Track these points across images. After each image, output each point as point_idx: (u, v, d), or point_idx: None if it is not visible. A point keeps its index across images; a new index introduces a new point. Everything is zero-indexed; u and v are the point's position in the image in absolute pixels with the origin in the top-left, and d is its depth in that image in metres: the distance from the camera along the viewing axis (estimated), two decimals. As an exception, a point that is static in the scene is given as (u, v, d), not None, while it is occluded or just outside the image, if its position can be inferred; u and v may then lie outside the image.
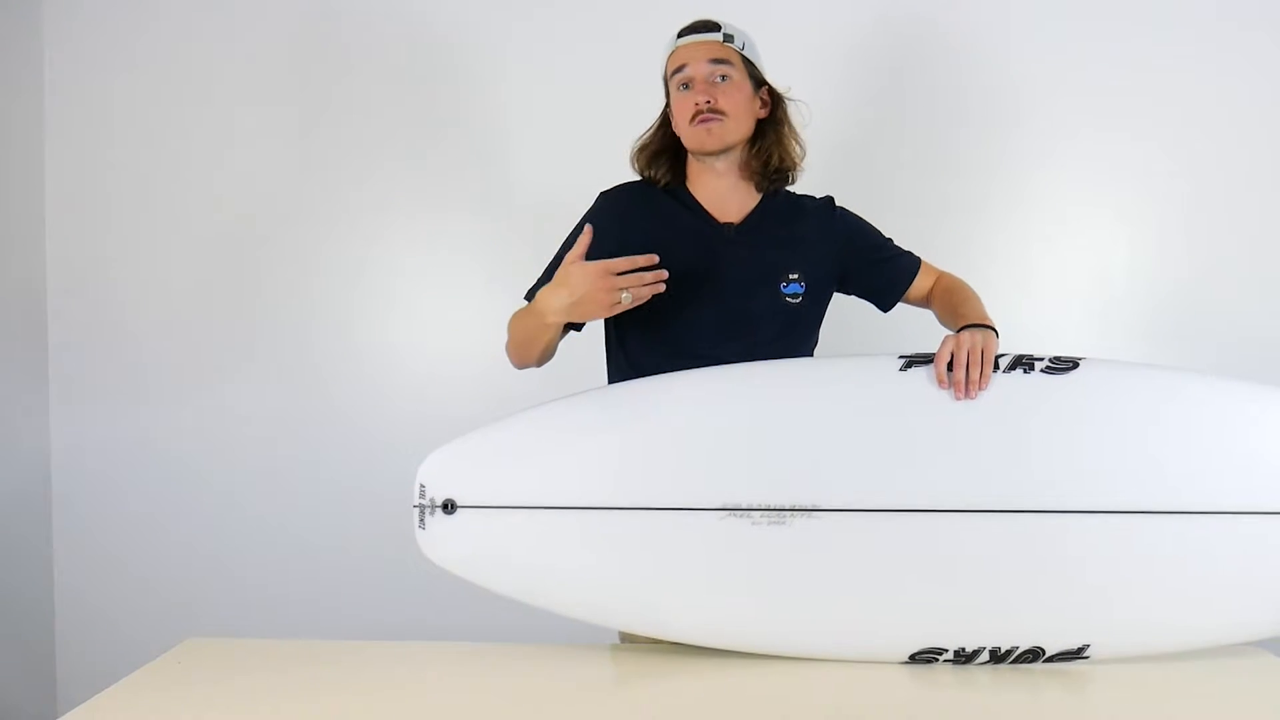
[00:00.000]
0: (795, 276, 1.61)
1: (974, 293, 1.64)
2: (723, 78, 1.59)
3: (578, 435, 1.49)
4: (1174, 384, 1.43)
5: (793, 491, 1.43)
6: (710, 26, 1.61)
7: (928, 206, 2.31)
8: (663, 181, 1.66)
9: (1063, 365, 1.43)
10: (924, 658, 1.44)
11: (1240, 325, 2.31)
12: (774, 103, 1.67)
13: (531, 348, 1.58)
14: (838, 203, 1.73)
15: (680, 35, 1.63)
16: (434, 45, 2.46)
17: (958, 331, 1.48)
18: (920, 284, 1.70)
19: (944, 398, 1.43)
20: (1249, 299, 2.32)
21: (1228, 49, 2.31)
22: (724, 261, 1.61)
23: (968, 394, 1.41)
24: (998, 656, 1.43)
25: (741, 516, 1.43)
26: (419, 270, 2.49)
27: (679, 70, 1.60)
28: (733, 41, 1.61)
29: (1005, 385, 1.43)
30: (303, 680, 1.42)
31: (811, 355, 1.67)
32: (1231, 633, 1.43)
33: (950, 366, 1.42)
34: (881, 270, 1.70)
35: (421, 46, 2.46)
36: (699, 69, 1.58)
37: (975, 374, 1.40)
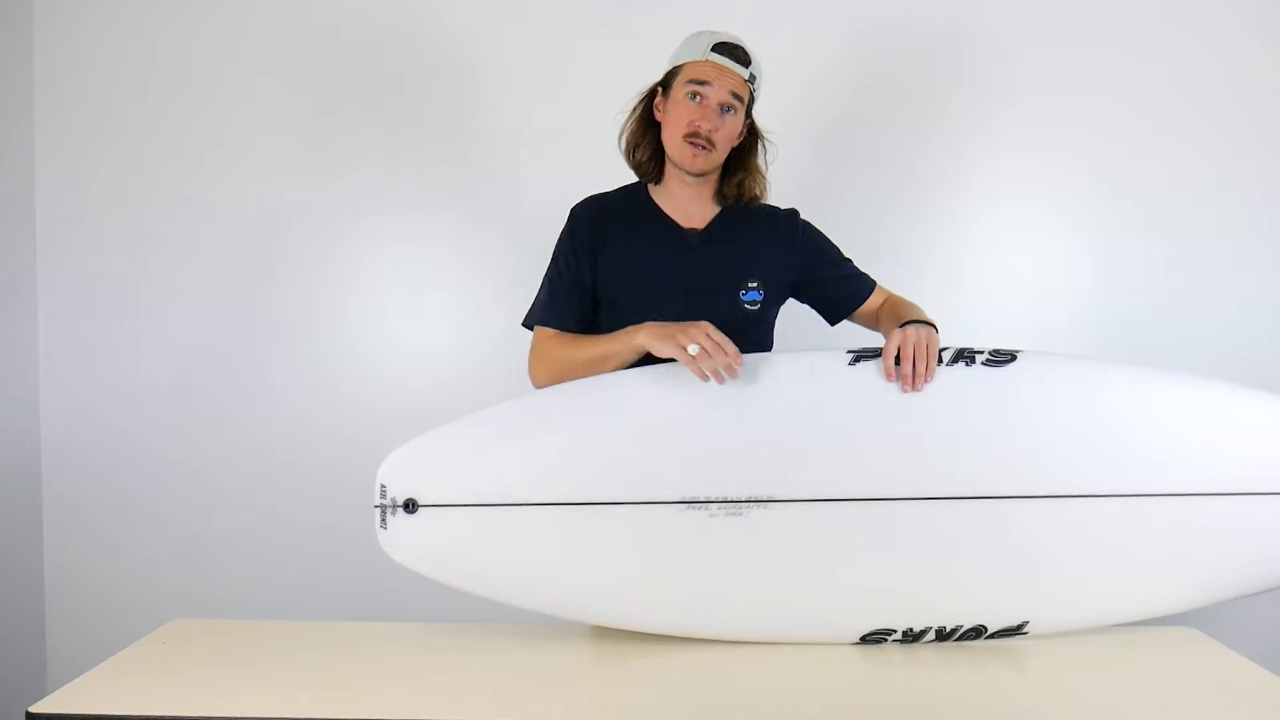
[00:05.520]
0: (754, 285, 1.66)
1: (918, 306, 1.70)
2: (730, 110, 1.62)
3: (537, 433, 1.52)
4: (1104, 375, 1.52)
5: (749, 483, 1.48)
6: (745, 59, 1.63)
7: (881, 213, 2.40)
8: (648, 176, 1.70)
9: (1002, 358, 1.51)
10: (874, 638, 1.51)
11: (1168, 321, 2.42)
12: (750, 135, 1.70)
13: (584, 370, 1.59)
14: (801, 216, 1.77)
15: (714, 49, 1.62)
16: (411, 47, 2.47)
17: (902, 327, 1.54)
18: (871, 304, 1.75)
19: (891, 390, 1.49)
20: (1177, 298, 2.43)
21: (1161, 63, 2.41)
22: (687, 268, 1.65)
23: (914, 386, 1.48)
24: (943, 635, 1.50)
25: (699, 509, 1.48)
26: (395, 271, 2.52)
27: (698, 82, 1.61)
28: (753, 83, 1.65)
29: (948, 377, 1.50)
30: (287, 661, 1.46)
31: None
32: (1158, 607, 1.52)
33: (897, 361, 1.49)
34: (838, 287, 1.75)
35: (399, 49, 2.48)
36: (718, 94, 1.61)
37: (921, 367, 1.47)
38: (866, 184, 2.40)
